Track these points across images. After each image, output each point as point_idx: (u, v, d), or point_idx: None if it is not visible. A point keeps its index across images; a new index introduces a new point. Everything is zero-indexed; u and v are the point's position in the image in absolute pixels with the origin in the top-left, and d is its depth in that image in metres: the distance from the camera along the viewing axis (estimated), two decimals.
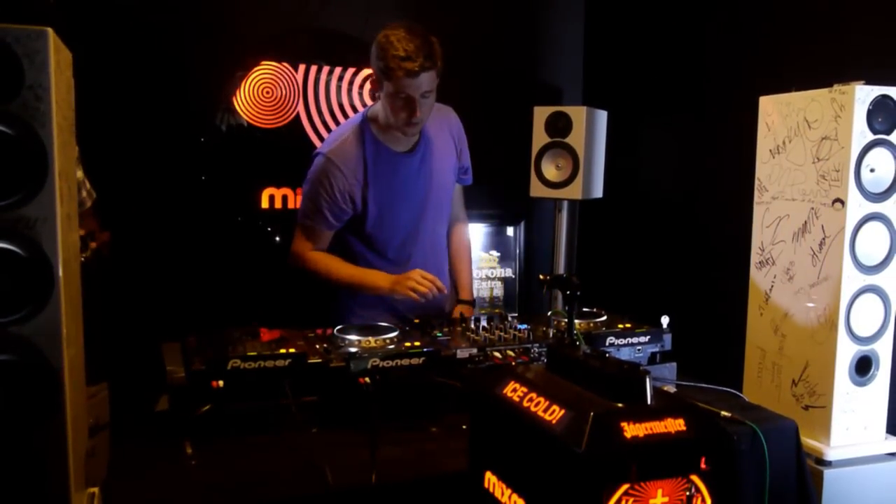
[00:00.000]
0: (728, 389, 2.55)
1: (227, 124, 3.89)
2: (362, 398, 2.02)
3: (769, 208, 2.68)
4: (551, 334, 2.50)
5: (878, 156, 2.38)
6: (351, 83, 4.12)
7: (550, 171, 3.68)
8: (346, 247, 2.89)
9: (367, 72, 4.13)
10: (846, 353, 2.42)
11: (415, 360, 2.16)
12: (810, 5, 3.21)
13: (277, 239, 3.98)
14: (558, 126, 3.63)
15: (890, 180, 2.41)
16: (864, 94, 2.33)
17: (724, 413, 2.21)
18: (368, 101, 4.16)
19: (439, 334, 2.44)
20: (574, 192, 3.66)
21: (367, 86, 4.14)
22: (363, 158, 2.74)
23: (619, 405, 1.37)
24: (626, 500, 1.29)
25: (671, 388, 2.49)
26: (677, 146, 4.12)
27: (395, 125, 2.68)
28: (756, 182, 2.74)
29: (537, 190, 3.72)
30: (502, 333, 2.44)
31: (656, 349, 2.57)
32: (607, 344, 2.47)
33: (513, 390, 1.52)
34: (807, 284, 2.51)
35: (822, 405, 2.46)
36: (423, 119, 2.68)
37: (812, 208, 2.49)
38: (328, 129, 4.08)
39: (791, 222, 2.58)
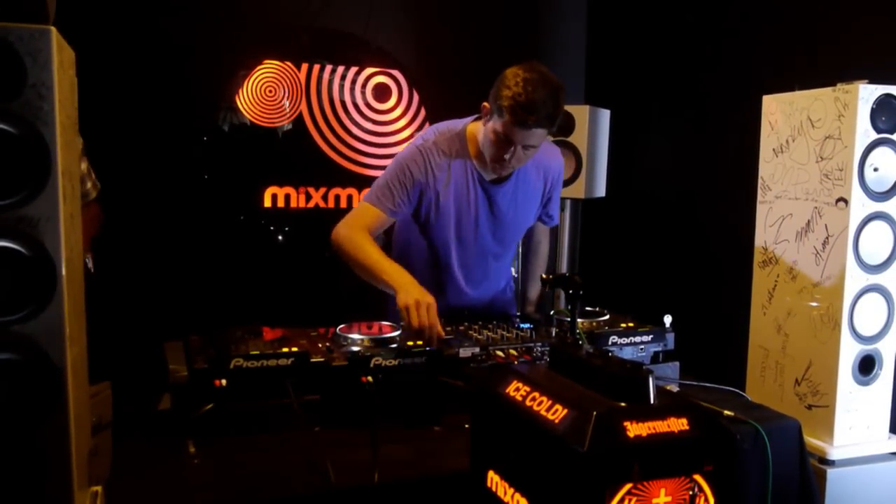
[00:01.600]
0: (731, 389, 2.55)
1: (230, 123, 3.89)
2: (365, 397, 2.01)
3: (772, 207, 2.68)
4: (554, 333, 2.49)
5: (882, 155, 2.38)
6: (354, 82, 4.12)
7: None
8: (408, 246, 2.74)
9: (369, 70, 4.13)
10: (849, 352, 2.42)
11: (417, 360, 2.16)
12: (814, 4, 3.21)
13: (280, 238, 3.98)
14: (561, 125, 3.62)
15: (893, 179, 2.40)
16: (867, 93, 2.33)
17: (726, 412, 2.21)
18: (371, 100, 4.16)
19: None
20: (577, 190, 3.65)
21: (371, 84, 4.15)
22: (449, 166, 2.60)
23: (622, 404, 1.37)
24: (629, 500, 1.29)
25: (674, 388, 2.48)
26: (680, 145, 4.11)
27: (488, 158, 2.54)
28: (759, 181, 2.73)
29: None
30: (505, 332, 2.44)
31: (659, 348, 2.57)
32: (610, 343, 2.47)
33: (515, 389, 1.52)
34: (810, 284, 2.51)
35: (826, 404, 2.46)
36: (514, 167, 2.57)
37: (815, 207, 2.48)
38: (331, 128, 4.08)
39: (794, 221, 2.57)
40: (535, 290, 3.08)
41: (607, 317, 2.67)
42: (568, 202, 3.89)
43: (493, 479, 1.55)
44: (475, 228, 2.67)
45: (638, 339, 2.52)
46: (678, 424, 1.35)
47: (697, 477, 1.35)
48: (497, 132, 2.42)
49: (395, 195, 2.57)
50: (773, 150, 2.67)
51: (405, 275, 2.44)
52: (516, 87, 2.34)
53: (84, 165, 2.70)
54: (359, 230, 2.56)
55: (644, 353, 2.53)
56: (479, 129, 2.60)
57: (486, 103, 2.49)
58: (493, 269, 2.82)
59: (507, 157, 2.44)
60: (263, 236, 3.97)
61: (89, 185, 2.73)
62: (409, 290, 2.35)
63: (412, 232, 2.69)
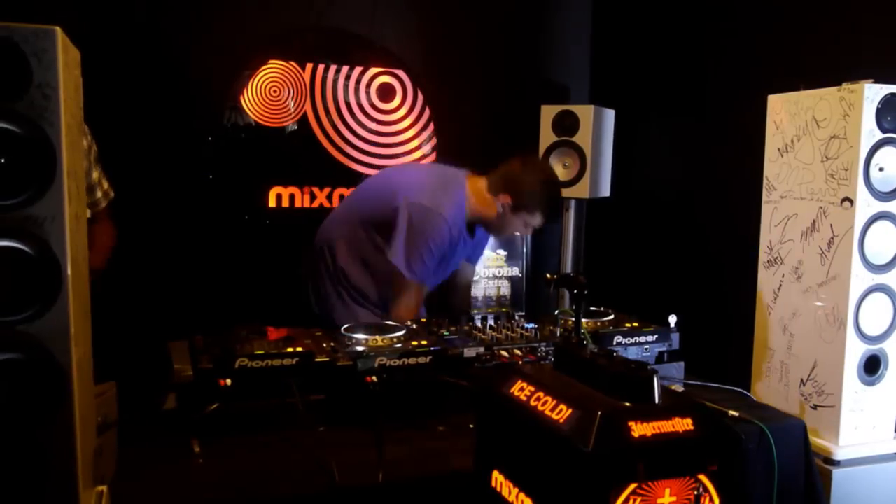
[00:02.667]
0: (736, 389, 2.55)
1: (235, 123, 3.90)
2: (369, 397, 2.02)
3: (777, 207, 2.67)
4: (558, 333, 2.49)
5: (887, 155, 2.37)
6: (358, 82, 4.12)
7: (558, 169, 3.67)
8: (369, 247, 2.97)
9: (373, 70, 4.14)
10: (855, 352, 2.41)
11: (422, 359, 2.16)
12: (819, 4, 3.20)
13: (276, 227, 3.99)
14: (565, 125, 3.63)
15: None
16: (872, 93, 2.32)
17: (731, 412, 2.21)
18: (375, 100, 4.16)
19: (446, 333, 2.44)
20: (581, 190, 3.65)
21: (375, 84, 4.15)
22: (462, 234, 2.96)
23: (627, 404, 1.37)
24: (634, 500, 1.29)
25: (679, 388, 2.48)
26: (685, 145, 4.11)
27: (500, 229, 3.06)
28: (764, 181, 2.73)
29: None
30: (509, 332, 2.44)
31: (664, 348, 2.57)
32: (615, 343, 2.47)
33: (520, 389, 1.52)
34: (815, 283, 2.50)
35: (831, 404, 2.45)
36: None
37: (820, 207, 2.48)
38: (335, 128, 4.08)
39: (799, 221, 2.57)
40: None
41: (612, 317, 2.67)
42: (572, 202, 3.89)
43: (498, 479, 1.55)
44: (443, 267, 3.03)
45: (643, 338, 2.52)
46: (683, 424, 1.35)
47: (702, 477, 1.35)
48: (528, 223, 2.96)
49: (432, 266, 2.90)
50: (779, 149, 2.66)
51: None
52: (552, 200, 3.00)
53: (96, 174, 2.69)
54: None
55: (649, 353, 2.53)
56: (478, 200, 2.94)
57: (506, 195, 2.88)
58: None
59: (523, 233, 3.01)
60: (268, 236, 3.97)
61: (99, 194, 2.71)
62: None
63: (380, 259, 2.91)
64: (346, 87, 4.10)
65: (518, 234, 3.04)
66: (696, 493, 1.34)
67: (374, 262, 2.94)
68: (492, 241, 4.32)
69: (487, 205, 2.93)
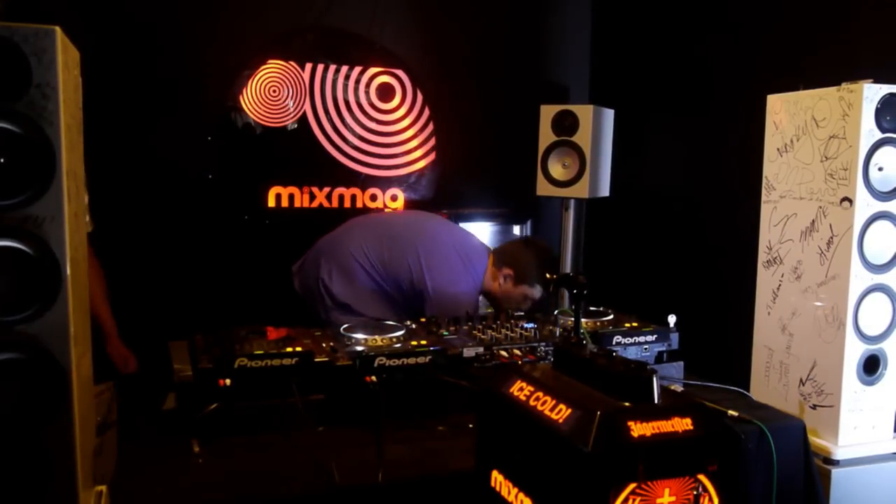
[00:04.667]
0: (735, 388, 2.55)
1: (235, 123, 3.90)
2: (369, 397, 2.02)
3: (777, 207, 2.67)
4: (558, 333, 2.49)
5: (886, 154, 2.37)
6: (357, 82, 4.12)
7: (557, 169, 3.67)
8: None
9: (373, 70, 4.14)
10: (854, 352, 2.41)
11: (421, 359, 2.16)
12: (818, 4, 3.20)
13: (275, 227, 3.99)
14: (565, 125, 3.62)
15: None
16: (872, 93, 2.32)
17: (731, 412, 2.21)
18: (375, 100, 4.16)
19: (446, 333, 2.44)
20: (581, 190, 3.64)
21: (374, 84, 4.15)
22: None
23: (626, 404, 1.37)
24: (634, 500, 1.29)
25: (678, 388, 2.48)
26: (684, 145, 4.11)
27: (497, 302, 3.19)
28: (763, 181, 2.73)
29: (544, 189, 3.71)
30: (509, 332, 2.44)
31: (663, 348, 2.57)
32: (614, 343, 2.47)
33: (519, 389, 1.52)
34: (814, 283, 2.50)
35: (830, 404, 2.45)
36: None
37: (820, 207, 2.48)
38: (335, 128, 4.08)
39: (799, 221, 2.57)
40: None
41: (611, 316, 2.67)
42: (572, 202, 3.89)
43: (498, 479, 1.55)
44: None
45: (642, 338, 2.52)
46: (682, 424, 1.35)
47: (702, 477, 1.35)
48: (528, 296, 3.13)
49: None
50: (778, 149, 2.67)
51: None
52: (549, 270, 3.08)
53: (86, 198, 2.66)
54: None
55: (648, 353, 2.53)
56: (492, 276, 3.17)
57: (508, 269, 3.12)
58: None
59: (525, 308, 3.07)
60: (268, 236, 3.97)
61: (87, 218, 2.69)
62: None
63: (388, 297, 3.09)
64: (345, 86, 4.10)
65: (513, 306, 3.09)
66: (695, 492, 1.34)
67: (367, 294, 3.06)
68: (492, 241, 4.33)
69: (494, 278, 3.16)
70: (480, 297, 3.26)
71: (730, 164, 3.62)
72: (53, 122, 1.33)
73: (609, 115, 3.81)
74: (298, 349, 2.11)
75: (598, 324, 2.59)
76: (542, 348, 2.36)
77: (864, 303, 2.40)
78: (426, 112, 4.29)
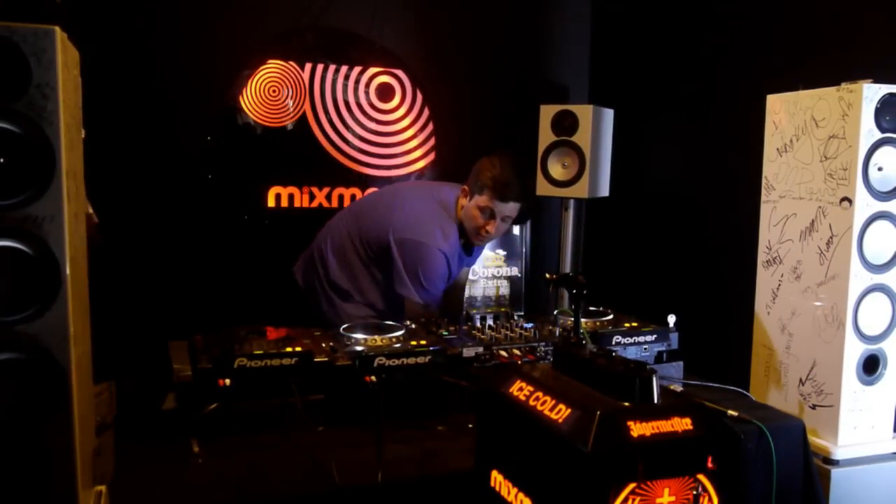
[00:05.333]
0: (735, 388, 2.55)
1: (234, 123, 3.90)
2: (368, 397, 2.02)
3: (776, 207, 2.67)
4: (557, 333, 2.49)
5: (886, 154, 2.37)
6: (357, 82, 4.12)
7: (556, 169, 3.66)
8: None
9: (373, 70, 4.14)
10: (854, 352, 2.42)
11: (421, 359, 2.16)
12: (818, 3, 3.20)
13: (275, 227, 3.99)
14: (564, 124, 3.62)
15: None
16: (871, 93, 2.32)
17: (730, 412, 2.21)
18: (374, 100, 4.16)
19: (445, 333, 2.44)
20: (580, 190, 3.64)
21: (374, 84, 4.15)
22: (458, 258, 3.07)
23: (626, 404, 1.37)
24: (633, 499, 1.29)
25: (678, 387, 2.48)
26: (684, 145, 4.11)
27: (469, 231, 3.00)
28: (763, 180, 2.73)
29: (543, 189, 3.71)
30: (508, 332, 2.44)
31: (663, 348, 2.57)
32: (614, 343, 2.47)
33: (519, 389, 1.52)
34: (814, 283, 2.51)
35: (830, 404, 2.45)
36: (493, 237, 3.09)
37: (819, 207, 2.48)
38: (334, 128, 4.08)
39: (798, 221, 2.57)
40: None
41: (611, 316, 2.67)
42: (571, 202, 3.88)
43: (497, 479, 1.55)
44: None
45: (642, 338, 2.52)
46: (682, 424, 1.35)
47: (701, 477, 1.35)
48: (480, 207, 2.91)
49: (440, 287, 3.00)
50: (778, 149, 2.67)
51: None
52: (494, 170, 2.91)
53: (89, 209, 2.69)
54: None
55: (648, 353, 2.54)
56: (462, 217, 3.01)
57: (465, 187, 2.98)
58: None
59: (489, 228, 2.93)
60: (267, 236, 3.97)
61: (90, 210, 2.72)
62: None
63: (365, 272, 3.04)
64: (345, 86, 4.10)
65: (478, 236, 2.99)
66: (695, 492, 1.34)
67: (359, 273, 3.04)
68: (492, 241, 4.33)
69: (459, 208, 3.02)
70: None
71: (730, 164, 3.62)
72: (53, 122, 1.33)
73: (609, 115, 3.81)
74: (298, 349, 2.11)
75: (598, 324, 2.59)
76: (542, 348, 2.36)
77: (864, 303, 2.41)
78: (426, 112, 4.29)
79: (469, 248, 3.15)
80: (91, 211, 2.73)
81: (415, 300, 2.88)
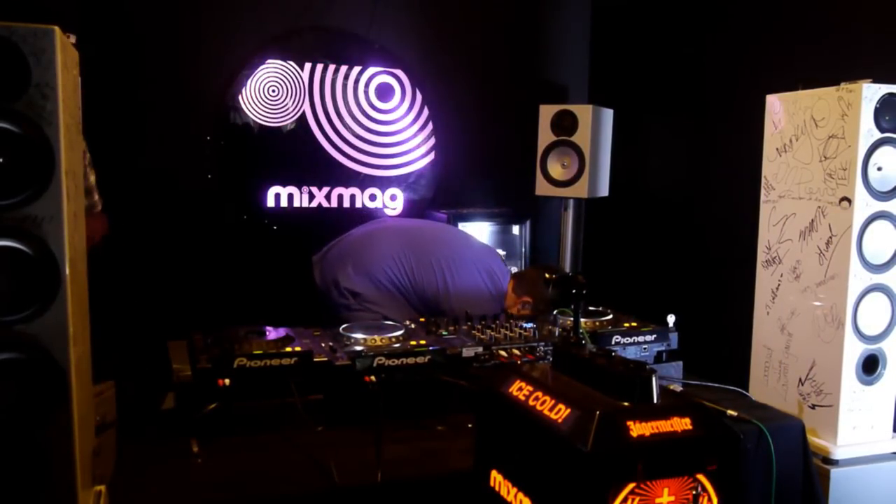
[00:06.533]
0: (734, 388, 2.55)
1: (233, 123, 3.90)
2: (368, 396, 2.01)
3: (776, 207, 2.67)
4: (557, 333, 2.49)
5: (885, 154, 2.37)
6: (357, 82, 4.12)
7: (556, 169, 3.67)
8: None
9: (372, 70, 4.14)
10: (853, 351, 2.42)
11: (420, 359, 2.16)
12: (817, 3, 3.20)
13: (281, 236, 3.99)
14: (564, 124, 3.63)
15: None
16: (871, 93, 2.32)
17: (730, 412, 2.21)
18: (374, 100, 4.17)
19: (445, 333, 2.43)
20: (580, 190, 3.65)
21: (373, 84, 4.15)
22: None
23: (626, 404, 1.37)
24: (633, 499, 1.29)
25: (677, 387, 2.48)
26: (684, 144, 4.11)
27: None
28: (762, 180, 2.73)
29: (543, 188, 3.72)
30: (508, 332, 2.44)
31: (662, 348, 2.56)
32: (613, 343, 2.47)
33: (518, 389, 1.52)
34: (813, 283, 2.51)
35: (829, 404, 2.45)
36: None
37: (819, 207, 2.48)
38: (334, 128, 4.09)
39: (798, 221, 2.57)
40: None
41: (611, 316, 2.67)
42: (571, 202, 3.89)
43: (497, 479, 1.55)
44: None
45: (641, 338, 2.52)
46: (681, 424, 1.35)
47: (701, 476, 1.35)
48: (520, 301, 3.01)
49: None
50: (777, 149, 2.67)
51: None
52: (541, 297, 2.96)
53: (92, 178, 2.70)
54: None
55: (647, 353, 2.53)
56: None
57: (529, 299, 3.00)
58: None
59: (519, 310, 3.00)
60: (267, 236, 3.97)
61: (96, 196, 2.73)
62: None
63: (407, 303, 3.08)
64: (344, 86, 4.10)
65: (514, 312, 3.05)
66: (694, 492, 1.34)
67: (395, 299, 3.06)
68: (492, 241, 4.34)
69: (513, 303, 3.06)
70: None
71: (729, 164, 3.62)
72: (52, 122, 1.33)
73: (608, 114, 3.81)
74: (297, 349, 2.10)
75: (598, 324, 2.59)
76: (542, 348, 2.36)
77: (863, 302, 2.41)
78: (425, 112, 4.29)
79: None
80: (97, 198, 2.74)
81: None
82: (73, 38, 3.21)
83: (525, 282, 3.08)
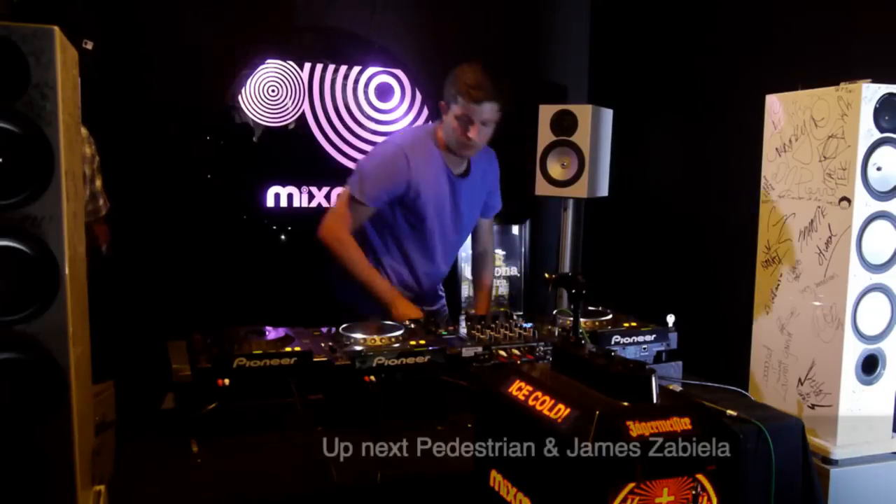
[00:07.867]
0: (734, 388, 2.55)
1: (233, 123, 3.90)
2: (367, 397, 2.01)
3: (775, 207, 2.67)
4: (557, 333, 2.49)
5: (885, 154, 2.37)
6: (356, 81, 4.12)
7: (556, 169, 3.67)
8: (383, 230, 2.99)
9: (372, 70, 4.14)
10: (853, 351, 2.42)
11: (420, 359, 2.16)
12: (817, 3, 3.20)
13: (283, 237, 3.99)
14: (564, 124, 3.62)
15: None
16: (870, 93, 2.33)
17: (729, 412, 2.21)
18: (374, 100, 4.17)
19: (444, 333, 2.43)
20: (579, 190, 3.65)
21: (373, 84, 4.16)
22: (429, 161, 2.92)
23: (625, 404, 1.37)
24: (632, 499, 1.29)
25: (677, 387, 2.48)
26: (683, 144, 4.11)
27: (453, 144, 2.89)
28: (762, 180, 2.73)
29: (542, 188, 3.71)
30: (507, 332, 2.44)
31: (662, 348, 2.56)
32: (613, 343, 2.47)
33: (518, 389, 1.52)
34: (813, 283, 2.51)
35: (829, 404, 2.45)
36: (477, 144, 2.87)
37: (818, 207, 2.48)
38: (333, 128, 4.08)
39: (797, 221, 2.57)
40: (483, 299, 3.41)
41: (610, 316, 2.67)
42: (571, 202, 3.89)
43: (496, 479, 1.55)
44: (447, 215, 3.01)
45: (641, 338, 2.52)
46: (681, 424, 1.35)
47: (700, 476, 1.35)
48: (457, 116, 2.80)
49: (382, 189, 2.84)
50: (776, 149, 2.67)
51: (392, 290, 2.85)
52: (463, 75, 2.84)
53: (98, 183, 2.71)
54: (345, 231, 2.85)
55: (647, 353, 2.53)
56: (441, 128, 2.93)
57: (442, 102, 2.88)
58: (451, 253, 3.16)
59: (470, 134, 2.80)
60: (266, 236, 3.97)
61: (101, 201, 2.74)
62: (399, 307, 2.76)
63: (397, 215, 2.94)
64: (344, 86, 4.10)
65: (464, 146, 2.88)
66: (694, 492, 1.34)
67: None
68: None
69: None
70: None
71: (728, 164, 3.62)
72: (52, 122, 1.33)
73: (608, 114, 3.81)
74: (297, 349, 2.10)
75: (597, 323, 2.59)
76: (541, 348, 2.36)
77: (863, 302, 2.41)
78: (425, 112, 4.29)
79: (466, 171, 3.03)
80: (101, 203, 2.74)
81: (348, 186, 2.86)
82: (90, 45, 3.23)
83: (446, 89, 2.87)
